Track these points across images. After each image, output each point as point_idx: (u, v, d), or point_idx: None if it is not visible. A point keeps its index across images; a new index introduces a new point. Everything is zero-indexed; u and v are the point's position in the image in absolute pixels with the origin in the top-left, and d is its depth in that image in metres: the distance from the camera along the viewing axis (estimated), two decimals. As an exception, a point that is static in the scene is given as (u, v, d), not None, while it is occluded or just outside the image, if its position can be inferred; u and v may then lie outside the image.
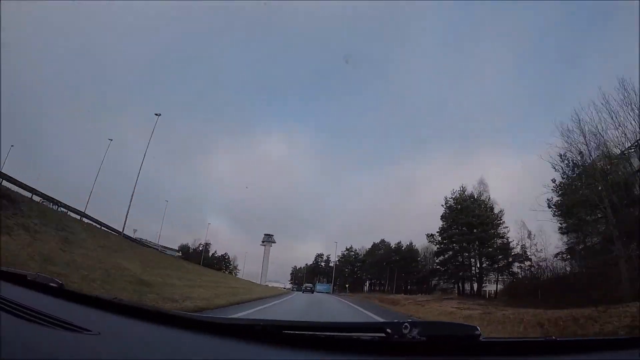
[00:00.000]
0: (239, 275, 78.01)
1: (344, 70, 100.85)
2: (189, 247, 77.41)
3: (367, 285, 72.25)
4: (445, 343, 0.94)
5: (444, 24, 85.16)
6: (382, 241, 70.48)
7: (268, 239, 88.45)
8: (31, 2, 44.45)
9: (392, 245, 66.66)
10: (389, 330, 0.92)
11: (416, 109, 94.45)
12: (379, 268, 65.37)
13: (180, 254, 67.70)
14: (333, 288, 68.90)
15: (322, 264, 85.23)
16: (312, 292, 49.17)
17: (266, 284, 75.40)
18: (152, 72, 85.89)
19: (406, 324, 0.91)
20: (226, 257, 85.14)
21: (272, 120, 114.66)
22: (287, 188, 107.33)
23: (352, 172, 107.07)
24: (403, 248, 64.08)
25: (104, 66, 77.16)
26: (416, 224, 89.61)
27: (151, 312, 1.19)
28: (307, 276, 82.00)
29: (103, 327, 1.00)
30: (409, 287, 60.05)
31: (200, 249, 78.27)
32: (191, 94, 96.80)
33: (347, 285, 69.19)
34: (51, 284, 1.34)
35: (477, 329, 0.94)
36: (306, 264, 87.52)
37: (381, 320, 2.17)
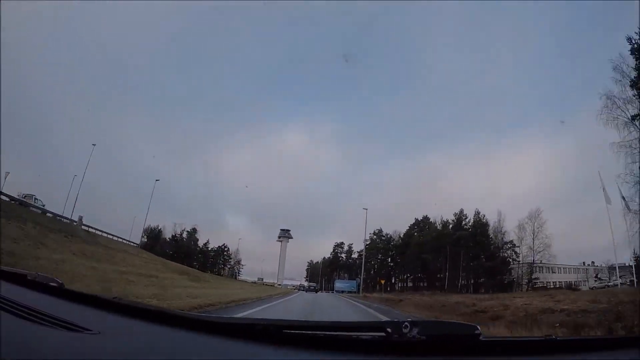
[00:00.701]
0: (242, 275, 68.70)
1: (364, 61, 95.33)
2: (158, 232, 54.62)
3: (408, 280, 54.97)
4: (446, 342, 0.94)
5: (470, 11, 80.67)
6: (426, 218, 51.32)
7: (284, 234, 77.10)
8: (32, 2, 44.49)
9: (447, 220, 44.59)
10: (389, 330, 0.92)
11: (436, 99, 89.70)
12: (434, 252, 43.83)
13: (145, 239, 49.44)
14: (360, 286, 48.46)
15: (343, 255, 70.94)
16: (317, 292, 42.65)
17: (279, 284, 67.89)
18: (155, 68, 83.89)
19: (406, 323, 0.91)
20: (224, 249, 68.05)
21: (285, 113, 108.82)
22: (304, 182, 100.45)
23: (372, 164, 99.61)
24: (467, 220, 42.49)
25: (110, 63, 76.15)
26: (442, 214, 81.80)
27: (151, 312, 1.18)
28: (325, 272, 71.13)
29: (103, 327, 1.00)
30: (472, 281, 40.96)
31: (167, 234, 55.76)
32: (199, 89, 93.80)
33: (382, 282, 48.57)
34: (51, 284, 1.34)
35: (477, 328, 0.94)
36: (323, 258, 74.37)
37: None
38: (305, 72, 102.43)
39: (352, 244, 70.39)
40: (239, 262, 71.93)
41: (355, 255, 68.48)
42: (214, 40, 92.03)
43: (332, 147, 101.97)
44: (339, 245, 72.48)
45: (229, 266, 70.05)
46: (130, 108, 77.31)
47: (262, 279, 73.73)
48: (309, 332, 1.04)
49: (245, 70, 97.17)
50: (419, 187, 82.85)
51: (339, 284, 58.31)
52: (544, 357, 1.01)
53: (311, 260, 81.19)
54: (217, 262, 67.76)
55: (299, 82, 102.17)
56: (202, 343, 0.99)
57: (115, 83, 76.00)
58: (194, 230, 62.82)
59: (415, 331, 0.90)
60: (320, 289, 63.72)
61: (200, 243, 64.16)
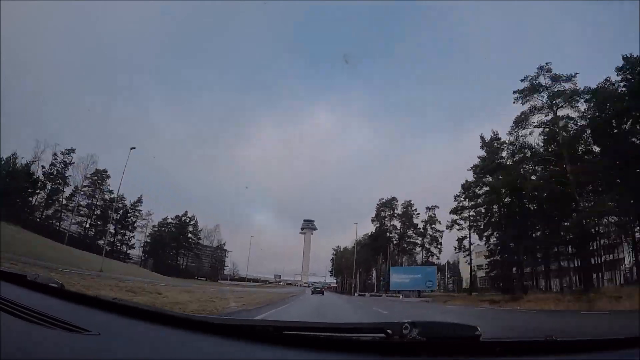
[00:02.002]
0: (227, 268, 50.40)
1: (395, 31, 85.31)
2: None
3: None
4: (446, 343, 0.94)
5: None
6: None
7: (308, 226, 66.78)
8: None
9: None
10: (389, 331, 0.93)
11: (477, 68, 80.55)
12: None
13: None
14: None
15: (395, 223, 41.07)
16: (323, 294, 30.28)
17: (307, 282, 54.94)
18: (170, 54, 79.93)
19: (406, 324, 0.92)
20: (187, 222, 41.74)
21: (311, 92, 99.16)
22: (329, 167, 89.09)
23: (408, 141, 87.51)
24: None
25: (125, 49, 72.30)
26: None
27: (151, 312, 1.19)
28: (364, 257, 43.25)
29: (103, 327, 1.00)
30: None
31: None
32: (217, 74, 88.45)
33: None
34: (51, 284, 1.35)
35: (478, 329, 0.94)
36: (356, 240, 45.36)
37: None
38: (330, 45, 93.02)
39: (411, 200, 41.22)
40: (221, 247, 46.07)
41: (424, 216, 39.99)
42: (230, 23, 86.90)
43: (363, 127, 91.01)
44: (387, 204, 40.67)
45: (195, 252, 44.26)
46: (147, 95, 72.91)
47: (280, 276, 63.84)
48: (310, 333, 1.04)
49: (265, 50, 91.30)
50: (464, 163, 71.42)
51: (399, 276, 33.06)
52: (544, 357, 1.01)
53: (337, 247, 55.94)
54: (177, 246, 41.86)
55: (325, 57, 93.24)
56: (202, 343, 0.99)
57: (131, 71, 71.42)
58: (100, 173, 30.87)
59: (415, 332, 0.90)
60: (357, 290, 42.51)
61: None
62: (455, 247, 34.89)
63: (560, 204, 25.38)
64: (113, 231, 39.43)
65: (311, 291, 31.95)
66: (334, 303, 17.74)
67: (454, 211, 35.60)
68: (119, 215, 39.95)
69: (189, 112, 78.96)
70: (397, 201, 41.68)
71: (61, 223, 36.68)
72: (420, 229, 40.68)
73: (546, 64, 27.60)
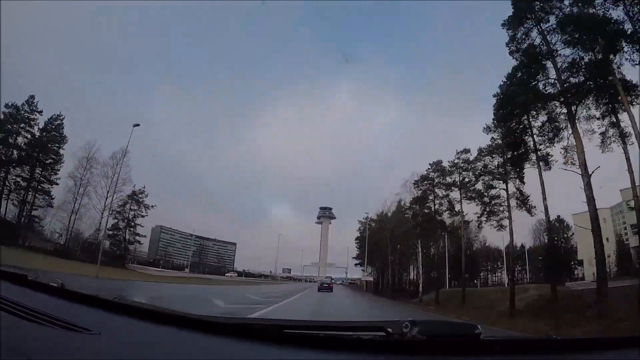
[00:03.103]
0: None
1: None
2: None
3: None
4: (446, 342, 0.94)
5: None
6: None
7: (325, 214, 60.99)
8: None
9: None
10: (389, 330, 0.93)
11: None
12: None
13: None
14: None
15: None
16: (331, 290, 27.00)
17: (327, 278, 42.78)
18: (180, 42, 79.95)
19: (407, 322, 0.92)
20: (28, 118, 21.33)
21: (331, 71, 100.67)
22: (351, 151, 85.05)
23: (444, 117, 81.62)
24: None
25: (133, 34, 72.95)
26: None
27: (151, 312, 1.18)
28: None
29: (103, 327, 1.00)
30: None
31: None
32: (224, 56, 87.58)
33: None
34: (51, 284, 1.35)
35: (478, 328, 0.95)
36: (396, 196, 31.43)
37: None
38: (350, 20, 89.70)
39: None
40: (135, 198, 27.45)
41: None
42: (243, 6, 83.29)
43: (386, 105, 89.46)
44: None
45: (45, 196, 24.98)
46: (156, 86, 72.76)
47: (290, 270, 58.54)
48: (310, 332, 1.05)
49: (280, 30, 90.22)
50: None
51: None
52: (544, 356, 1.01)
53: (366, 216, 39.91)
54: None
55: (345, 36, 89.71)
56: (202, 343, 0.99)
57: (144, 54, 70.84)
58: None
59: (415, 331, 0.90)
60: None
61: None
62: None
63: None
64: None
65: (318, 288, 28.42)
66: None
67: None
68: None
69: (195, 104, 77.90)
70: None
71: None
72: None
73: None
